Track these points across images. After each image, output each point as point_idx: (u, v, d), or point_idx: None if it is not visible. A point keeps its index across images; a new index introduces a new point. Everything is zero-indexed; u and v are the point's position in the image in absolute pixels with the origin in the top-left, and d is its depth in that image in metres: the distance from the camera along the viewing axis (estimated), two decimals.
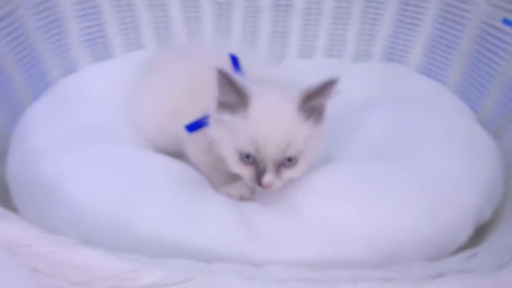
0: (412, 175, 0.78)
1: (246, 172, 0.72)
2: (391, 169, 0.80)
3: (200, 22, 1.24)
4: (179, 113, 0.83)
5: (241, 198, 0.81)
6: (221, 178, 0.83)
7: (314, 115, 0.71)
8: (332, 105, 1.00)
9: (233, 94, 0.69)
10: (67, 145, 0.81)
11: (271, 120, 0.69)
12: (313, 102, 0.70)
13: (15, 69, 0.98)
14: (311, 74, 1.13)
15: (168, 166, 0.82)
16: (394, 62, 1.22)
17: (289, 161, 0.71)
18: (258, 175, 0.70)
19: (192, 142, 0.83)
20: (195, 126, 0.79)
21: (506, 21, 0.95)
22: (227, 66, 0.81)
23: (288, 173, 0.72)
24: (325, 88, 0.68)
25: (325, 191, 0.75)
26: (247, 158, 0.70)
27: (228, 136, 0.72)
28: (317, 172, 0.79)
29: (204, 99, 0.76)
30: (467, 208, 0.75)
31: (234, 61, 0.83)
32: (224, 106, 0.71)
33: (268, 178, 0.69)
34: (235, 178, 0.82)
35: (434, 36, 1.14)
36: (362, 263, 0.67)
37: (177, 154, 0.88)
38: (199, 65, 0.84)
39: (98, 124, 0.92)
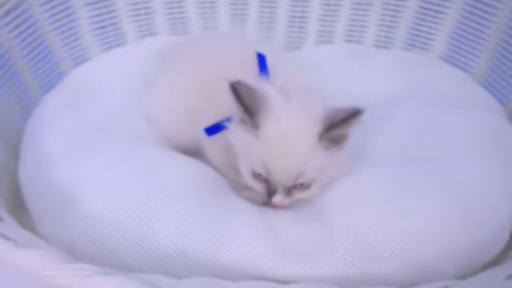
0: (443, 181, 0.73)
1: (257, 187, 0.69)
2: (421, 175, 0.75)
3: (215, 6, 1.17)
4: (198, 113, 0.78)
5: (265, 203, 0.76)
6: (242, 181, 0.77)
7: (335, 143, 0.66)
8: (356, 97, 0.98)
9: (245, 111, 0.64)
10: (82, 147, 0.77)
11: (284, 146, 0.64)
12: (335, 131, 0.65)
13: (24, 62, 0.94)
14: (331, 61, 1.12)
15: (190, 168, 0.76)
16: (416, 48, 1.15)
17: (301, 185, 0.67)
18: (269, 193, 0.68)
19: (211, 144, 0.78)
20: (214, 129, 0.74)
21: None
22: (253, 65, 0.75)
23: (300, 195, 0.69)
24: (350, 118, 0.63)
25: (354, 201, 0.70)
26: (259, 175, 0.67)
27: (243, 149, 0.68)
28: (345, 179, 0.74)
29: (224, 99, 0.70)
30: (501, 213, 0.71)
31: (261, 61, 0.76)
32: (240, 119, 0.67)
33: (277, 199, 0.67)
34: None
35: (460, 24, 1.07)
36: (395, 279, 0.63)
37: (195, 151, 0.83)
38: (220, 62, 0.78)
39: (113, 120, 0.87)
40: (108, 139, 0.81)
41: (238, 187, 0.78)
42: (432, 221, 0.67)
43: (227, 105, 0.68)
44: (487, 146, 0.81)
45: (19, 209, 0.76)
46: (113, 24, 1.10)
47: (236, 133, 0.68)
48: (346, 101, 0.91)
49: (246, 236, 0.65)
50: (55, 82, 1.00)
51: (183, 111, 0.81)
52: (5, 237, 0.52)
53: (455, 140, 0.82)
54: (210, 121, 0.74)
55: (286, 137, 0.64)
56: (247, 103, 0.64)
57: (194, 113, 0.79)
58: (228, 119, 0.71)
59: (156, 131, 0.88)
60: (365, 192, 0.72)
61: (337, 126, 0.64)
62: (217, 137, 0.74)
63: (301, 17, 1.19)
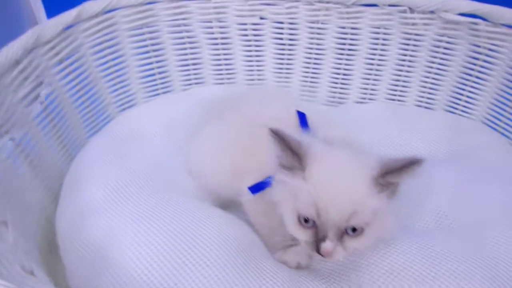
0: (476, 255, 0.68)
1: (304, 236, 0.63)
2: (455, 248, 0.69)
3: (262, 60, 1.17)
4: (241, 171, 0.76)
5: (298, 266, 0.73)
6: (279, 242, 0.74)
7: (389, 189, 0.61)
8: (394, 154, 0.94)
9: (289, 155, 0.61)
10: (121, 199, 0.76)
11: (336, 183, 0.60)
12: (391, 177, 0.60)
13: (72, 107, 0.95)
14: (372, 118, 1.09)
15: (227, 228, 0.73)
16: (458, 111, 1.11)
17: (353, 231, 0.61)
18: (318, 241, 0.61)
19: (251, 203, 0.75)
20: (258, 188, 0.71)
21: None
22: (294, 123, 0.74)
23: (352, 243, 0.62)
24: (408, 167, 0.59)
25: (387, 271, 0.66)
26: (306, 222, 0.61)
27: (289, 197, 0.63)
28: (379, 246, 0.70)
29: (266, 157, 0.67)
30: None
31: (302, 118, 0.75)
32: (283, 166, 0.63)
33: (328, 245, 0.60)
34: (293, 243, 0.73)
35: (501, 91, 1.03)
36: None
37: (234, 205, 0.81)
38: (263, 120, 0.76)
39: (152, 167, 0.86)
40: (148, 191, 0.79)
41: (274, 249, 0.76)
42: None
43: (269, 164, 0.66)
44: None
45: (53, 256, 0.75)
46: (160, 72, 1.11)
47: (279, 183, 0.64)
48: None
49: None
50: (101, 126, 1.01)
51: (227, 166, 0.79)
52: None
53: (494, 214, 0.77)
54: (252, 179, 0.72)
55: (338, 174, 0.61)
56: (292, 146, 0.61)
57: (238, 169, 0.77)
58: (270, 177, 0.68)
59: (197, 183, 0.87)
60: (399, 264, 0.67)
61: (394, 172, 0.59)
62: (258, 197, 0.71)
63: (344, 75, 1.17)
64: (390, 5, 1.05)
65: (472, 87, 1.08)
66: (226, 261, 0.67)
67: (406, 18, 1.06)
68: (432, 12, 1.03)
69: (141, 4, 1.03)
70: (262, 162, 0.70)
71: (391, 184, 0.61)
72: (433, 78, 1.12)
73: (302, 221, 0.62)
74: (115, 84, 1.04)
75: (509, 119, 1.03)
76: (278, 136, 0.61)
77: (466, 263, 0.66)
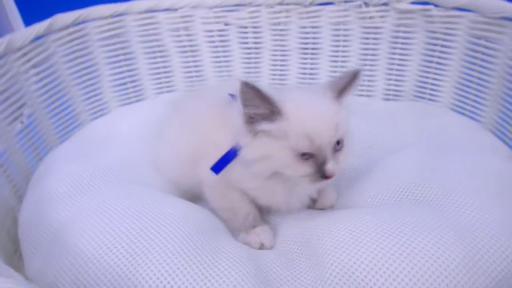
0: (446, 224, 0.68)
1: (306, 169, 0.67)
2: (424, 217, 0.69)
3: (230, 65, 1.21)
4: (199, 157, 0.77)
5: (262, 247, 0.74)
6: (241, 224, 0.76)
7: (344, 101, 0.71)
8: (364, 146, 0.96)
9: (266, 103, 0.65)
10: (83, 189, 0.77)
11: (316, 110, 0.67)
12: (345, 92, 0.70)
13: (44, 112, 0.98)
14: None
15: (186, 211, 0.74)
16: (425, 100, 1.13)
17: (338, 144, 0.68)
18: (320, 167, 0.66)
19: (211, 186, 0.76)
20: (221, 165, 0.72)
21: None
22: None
23: (340, 156, 0.69)
24: (352, 79, 0.70)
25: (350, 242, 0.66)
26: (303, 155, 0.66)
27: (275, 143, 0.66)
28: (341, 219, 0.71)
29: (218, 137, 0.72)
30: (507, 257, 0.64)
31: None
32: (258, 118, 0.66)
33: (331, 165, 0.66)
34: (256, 224, 0.75)
35: (463, 74, 1.05)
36: None
37: (201, 197, 0.82)
38: (205, 106, 0.80)
39: (121, 166, 0.87)
40: (111, 183, 0.81)
41: (237, 231, 0.76)
42: (434, 265, 0.61)
43: (222, 137, 0.71)
44: (492, 189, 0.75)
45: (19, 256, 0.76)
46: (132, 81, 1.15)
47: (263, 136, 0.67)
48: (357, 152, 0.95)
49: (230, 279, 0.62)
50: (73, 133, 1.03)
51: (187, 155, 0.81)
52: None
53: (461, 184, 0.77)
54: (211, 162, 0.73)
55: (314, 103, 0.68)
56: (267, 93, 0.64)
57: (195, 158, 0.78)
58: (232, 150, 0.70)
59: (164, 178, 0.88)
60: (362, 233, 0.67)
61: (344, 88, 0.70)
62: (218, 180, 0.73)
63: (311, 74, 1.20)
64: (345, 1, 1.09)
65: (435, 73, 1.10)
66: (184, 239, 0.67)
67: (362, 12, 1.10)
68: (385, 4, 1.07)
69: (111, 16, 1.08)
70: (218, 143, 0.72)
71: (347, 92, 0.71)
72: (397, 69, 1.15)
73: (300, 157, 0.66)
74: (88, 92, 1.08)
75: (474, 101, 1.04)
76: (249, 88, 0.63)
77: (436, 231, 0.66)
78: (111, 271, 0.62)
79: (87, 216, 0.70)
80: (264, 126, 0.66)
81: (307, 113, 0.66)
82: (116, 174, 0.83)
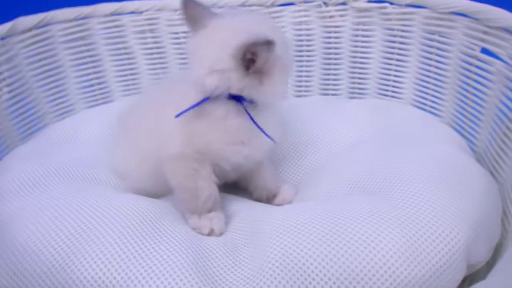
0: (388, 211, 0.68)
1: None
2: (368, 203, 0.70)
3: None
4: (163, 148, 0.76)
5: (211, 233, 0.73)
6: (198, 206, 0.74)
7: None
8: (324, 144, 0.97)
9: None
10: (33, 186, 0.77)
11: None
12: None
13: (5, 114, 0.98)
14: (309, 109, 1.12)
15: (129, 202, 0.73)
16: (388, 97, 1.14)
17: None
18: None
19: (178, 161, 0.74)
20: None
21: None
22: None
23: None
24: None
25: (293, 230, 0.66)
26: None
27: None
28: (289, 210, 0.71)
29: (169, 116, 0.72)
30: (455, 247, 0.64)
31: None
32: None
33: None
34: (212, 207, 0.75)
35: (422, 70, 1.07)
36: None
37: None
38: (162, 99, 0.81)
39: (77, 165, 0.86)
40: (63, 180, 0.80)
41: (190, 213, 0.75)
42: (373, 250, 0.61)
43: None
44: (446, 180, 0.74)
45: None
46: (99, 83, 1.15)
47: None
48: (318, 148, 0.96)
49: (170, 270, 0.61)
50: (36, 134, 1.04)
51: (151, 156, 0.79)
52: None
53: (412, 174, 0.76)
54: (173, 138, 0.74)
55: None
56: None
57: (155, 150, 0.77)
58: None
59: (125, 184, 0.87)
60: (306, 222, 0.67)
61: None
62: (188, 154, 0.73)
63: None
64: (305, 1, 1.11)
65: (395, 70, 1.11)
66: (124, 229, 0.66)
67: (322, 12, 1.12)
68: (344, 3, 1.09)
69: (76, 19, 1.09)
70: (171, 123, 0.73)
71: None
72: (360, 68, 1.16)
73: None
74: (53, 94, 1.08)
75: (433, 96, 1.05)
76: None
77: (376, 218, 0.66)
78: (48, 264, 0.61)
79: (31, 211, 0.69)
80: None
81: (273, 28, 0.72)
82: (70, 173, 0.83)
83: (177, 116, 0.72)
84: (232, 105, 0.72)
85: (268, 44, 0.65)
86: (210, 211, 0.75)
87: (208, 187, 0.74)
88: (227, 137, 0.73)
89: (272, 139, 0.77)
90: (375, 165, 0.82)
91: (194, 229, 0.73)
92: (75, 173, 0.84)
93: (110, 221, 0.67)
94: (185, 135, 0.73)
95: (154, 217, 0.71)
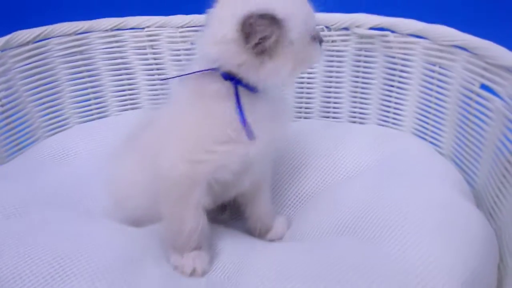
0: (382, 259, 0.65)
1: (317, 46, 0.70)
2: (355, 251, 0.67)
3: None
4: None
5: (193, 273, 0.69)
6: (181, 241, 0.71)
7: None
8: (321, 171, 0.94)
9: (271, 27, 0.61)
10: (13, 210, 0.76)
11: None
12: None
13: None
14: (308, 133, 1.09)
15: (109, 239, 0.69)
16: (389, 124, 1.12)
17: None
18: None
19: (171, 183, 0.69)
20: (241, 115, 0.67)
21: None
22: None
23: None
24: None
25: (276, 276, 0.63)
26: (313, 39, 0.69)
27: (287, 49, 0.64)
28: (273, 252, 0.69)
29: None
30: None
31: None
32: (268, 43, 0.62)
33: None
34: (198, 246, 0.72)
35: (423, 100, 1.04)
36: None
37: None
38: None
39: (60, 187, 0.85)
40: (42, 207, 0.78)
41: (174, 249, 0.72)
42: None
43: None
44: (440, 225, 0.70)
45: None
46: (96, 98, 1.15)
47: (278, 56, 0.64)
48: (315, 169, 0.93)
49: None
50: (27, 149, 1.03)
51: (144, 186, 0.77)
52: None
53: (404, 217, 0.72)
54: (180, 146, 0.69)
55: None
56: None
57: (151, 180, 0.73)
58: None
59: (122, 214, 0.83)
60: (289, 268, 0.65)
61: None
62: (183, 175, 0.67)
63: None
64: None
65: (396, 98, 1.09)
66: (98, 270, 0.63)
67: (324, 36, 1.09)
68: (346, 28, 1.07)
69: (75, 33, 1.09)
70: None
71: None
72: (361, 93, 1.13)
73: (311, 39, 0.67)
74: (46, 109, 1.07)
75: (434, 126, 1.03)
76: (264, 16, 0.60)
77: (365, 270, 0.63)
78: None
79: (6, 238, 0.67)
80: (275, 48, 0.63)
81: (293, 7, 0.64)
82: (53, 197, 0.82)
83: (178, 76, 0.68)
84: (225, 86, 0.66)
85: (270, 19, 0.60)
86: (194, 249, 0.72)
87: (193, 218, 0.70)
88: (216, 130, 0.66)
89: (251, 136, 0.67)
90: (370, 205, 0.78)
91: (176, 267, 0.70)
92: (58, 197, 0.83)
93: (87, 261, 0.64)
94: (177, 140, 0.68)
95: (133, 256, 0.68)
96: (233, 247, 0.76)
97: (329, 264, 0.64)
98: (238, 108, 0.66)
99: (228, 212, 0.92)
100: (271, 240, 0.84)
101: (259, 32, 0.60)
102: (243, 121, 0.66)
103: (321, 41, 0.72)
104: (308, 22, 0.67)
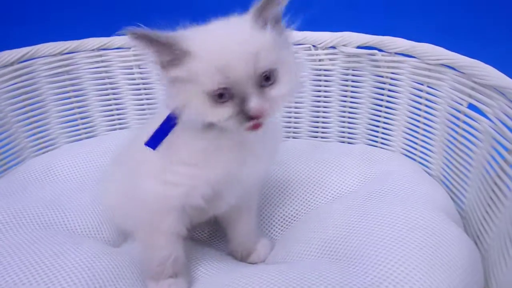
0: (361, 278, 0.64)
1: (226, 112, 0.57)
2: (334, 276, 0.66)
3: None
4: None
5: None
6: (154, 269, 0.70)
7: (272, 23, 0.59)
8: (305, 192, 0.93)
9: (165, 46, 0.55)
10: None
11: (226, 40, 0.56)
12: (266, 11, 0.58)
13: None
14: (296, 153, 1.08)
15: (85, 265, 0.68)
16: (378, 144, 1.10)
17: (267, 80, 0.58)
18: (241, 106, 0.56)
19: (147, 207, 0.68)
20: (156, 139, 0.64)
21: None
22: None
23: (272, 91, 0.58)
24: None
25: None
26: (220, 97, 0.56)
27: (188, 87, 0.57)
28: (253, 276, 0.67)
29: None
30: None
31: None
32: (166, 63, 0.57)
33: (254, 101, 0.55)
34: (172, 273, 0.70)
35: (411, 119, 1.03)
36: None
37: None
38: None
39: (42, 208, 0.83)
40: (22, 229, 0.77)
41: (150, 277, 0.71)
42: None
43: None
44: (421, 250, 0.68)
45: None
46: (83, 118, 1.13)
47: (173, 84, 0.58)
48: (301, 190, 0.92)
49: None
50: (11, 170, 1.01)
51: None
52: None
53: (387, 242, 0.71)
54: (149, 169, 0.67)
55: (223, 34, 0.58)
56: (162, 36, 0.55)
57: None
58: (166, 122, 0.63)
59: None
60: None
61: (267, 6, 0.58)
62: (159, 198, 0.66)
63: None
64: (295, 44, 1.08)
65: (385, 117, 1.08)
66: None
67: (312, 55, 1.09)
68: (333, 47, 1.06)
69: (61, 53, 1.08)
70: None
71: (270, 17, 0.59)
72: (349, 112, 1.13)
73: (216, 99, 0.57)
74: (33, 129, 1.06)
75: (422, 146, 1.02)
76: (141, 36, 0.55)
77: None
78: None
79: None
80: (173, 72, 0.57)
81: (215, 45, 0.56)
82: (34, 219, 0.80)
83: (148, 143, 0.65)
84: None
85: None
86: (170, 276, 0.70)
87: (165, 246, 0.69)
88: (183, 151, 0.64)
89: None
90: (353, 228, 0.77)
91: None
92: (39, 219, 0.81)
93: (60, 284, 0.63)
94: (152, 158, 0.66)
95: (108, 282, 0.67)
96: (212, 273, 0.75)
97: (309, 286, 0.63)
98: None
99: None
100: (253, 263, 0.82)
101: None
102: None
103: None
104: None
